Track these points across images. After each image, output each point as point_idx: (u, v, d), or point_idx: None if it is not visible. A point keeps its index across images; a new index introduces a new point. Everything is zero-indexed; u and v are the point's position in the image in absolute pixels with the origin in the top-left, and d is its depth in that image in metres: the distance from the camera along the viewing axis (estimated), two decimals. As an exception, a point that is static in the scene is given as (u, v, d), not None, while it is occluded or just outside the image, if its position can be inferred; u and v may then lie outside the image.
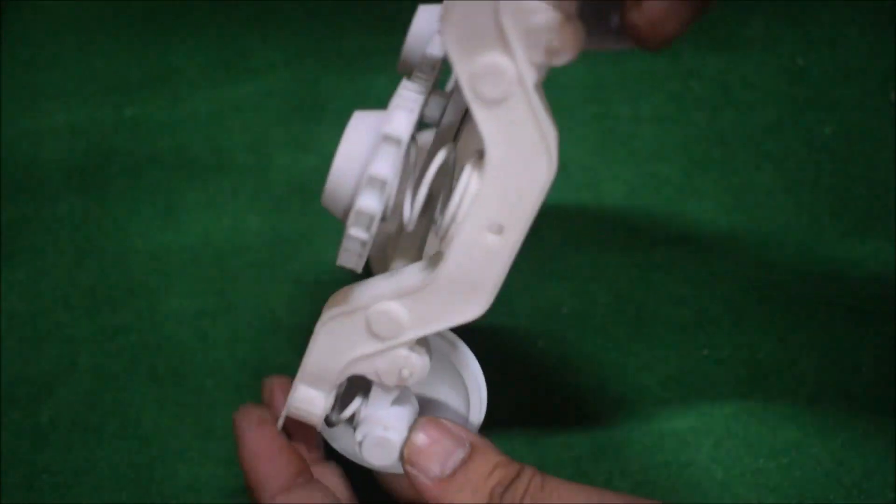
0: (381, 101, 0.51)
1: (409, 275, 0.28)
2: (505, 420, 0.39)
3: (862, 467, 0.36)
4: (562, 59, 0.24)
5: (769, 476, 0.36)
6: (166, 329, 0.44)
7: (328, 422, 0.31)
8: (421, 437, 0.28)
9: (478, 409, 0.32)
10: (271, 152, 0.50)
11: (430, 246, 0.34)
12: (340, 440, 0.33)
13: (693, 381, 0.39)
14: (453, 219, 0.26)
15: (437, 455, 0.27)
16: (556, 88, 0.51)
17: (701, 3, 0.24)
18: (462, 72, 0.24)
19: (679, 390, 0.39)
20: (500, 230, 0.26)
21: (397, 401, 0.30)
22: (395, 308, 0.28)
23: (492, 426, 0.38)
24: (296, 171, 0.49)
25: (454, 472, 0.27)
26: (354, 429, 0.31)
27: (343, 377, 0.29)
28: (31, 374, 0.43)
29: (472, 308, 0.27)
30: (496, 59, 0.23)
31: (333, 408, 0.32)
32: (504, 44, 0.23)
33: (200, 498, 0.39)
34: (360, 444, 0.30)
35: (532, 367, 0.41)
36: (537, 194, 0.25)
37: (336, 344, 0.29)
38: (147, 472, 0.40)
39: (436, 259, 0.27)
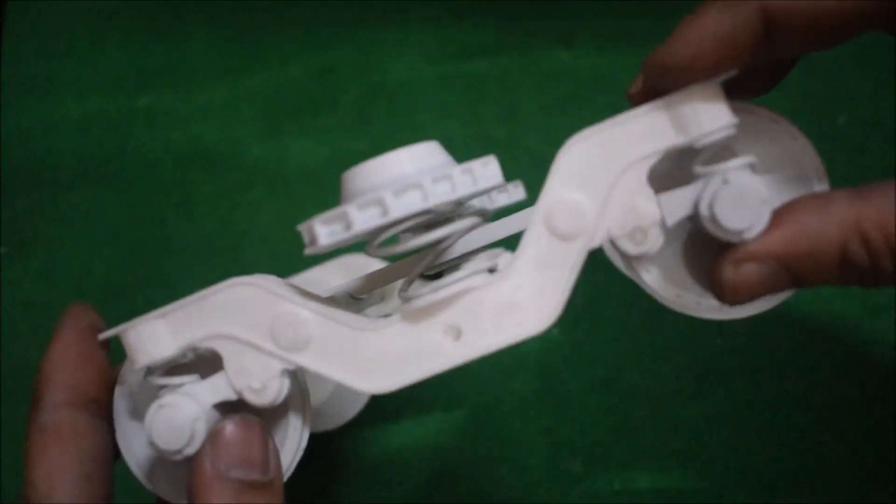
0: (394, 91, 0.52)
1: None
2: (519, 408, 0.39)
3: (875, 456, 0.36)
4: (639, 249, 0.25)
5: (783, 464, 0.36)
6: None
7: (147, 372, 0.27)
8: (230, 428, 0.25)
9: None
10: (286, 144, 0.50)
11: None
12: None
13: (707, 369, 0.39)
14: (434, 291, 0.25)
15: (237, 454, 0.25)
16: (569, 79, 0.51)
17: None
18: (550, 193, 0.25)
19: (693, 379, 0.39)
20: (458, 334, 0.26)
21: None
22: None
23: (506, 413, 0.38)
24: (310, 162, 0.49)
25: (238, 482, 0.25)
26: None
27: (202, 345, 0.27)
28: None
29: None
30: (585, 203, 0.25)
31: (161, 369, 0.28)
32: (602, 201, 0.25)
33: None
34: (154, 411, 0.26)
35: (546, 356, 0.41)
36: (514, 338, 0.25)
37: (239, 312, 0.26)
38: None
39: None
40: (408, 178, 0.25)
